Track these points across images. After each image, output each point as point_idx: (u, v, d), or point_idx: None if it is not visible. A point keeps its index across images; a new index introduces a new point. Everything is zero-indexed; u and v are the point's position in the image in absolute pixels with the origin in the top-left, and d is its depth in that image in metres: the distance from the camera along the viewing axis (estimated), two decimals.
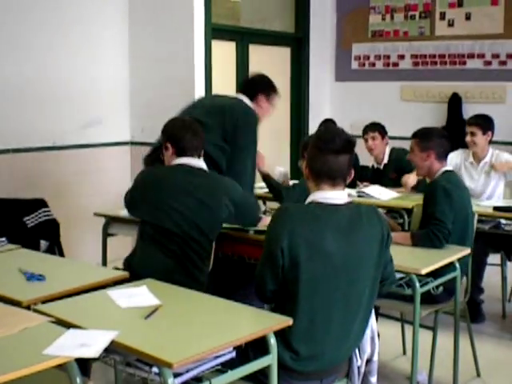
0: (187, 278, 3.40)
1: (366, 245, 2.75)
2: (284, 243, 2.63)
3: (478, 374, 4.20)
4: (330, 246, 2.67)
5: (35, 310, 2.62)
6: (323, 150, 2.73)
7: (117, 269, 3.47)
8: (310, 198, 2.79)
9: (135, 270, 3.39)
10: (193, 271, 3.46)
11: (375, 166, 6.03)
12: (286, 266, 2.66)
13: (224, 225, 3.68)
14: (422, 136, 4.12)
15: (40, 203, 5.01)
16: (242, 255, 3.98)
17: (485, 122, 5.35)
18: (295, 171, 6.35)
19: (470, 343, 4.19)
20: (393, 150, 5.93)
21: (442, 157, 4.08)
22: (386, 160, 5.92)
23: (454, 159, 5.49)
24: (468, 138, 5.36)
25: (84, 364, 2.57)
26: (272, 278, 2.73)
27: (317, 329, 2.70)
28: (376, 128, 5.93)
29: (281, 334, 2.62)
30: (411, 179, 5.30)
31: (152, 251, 3.50)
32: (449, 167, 4.12)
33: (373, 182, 5.75)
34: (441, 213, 3.79)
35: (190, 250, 3.46)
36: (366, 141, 5.91)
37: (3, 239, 3.62)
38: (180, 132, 3.59)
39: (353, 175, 2.84)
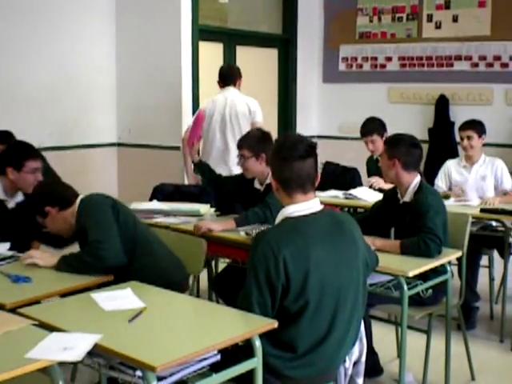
0: None
1: (352, 246, 2.77)
2: (281, 273, 2.57)
3: (473, 378, 4.19)
4: (320, 255, 2.65)
5: (19, 313, 2.59)
6: (288, 158, 2.72)
7: None
8: (284, 214, 2.76)
9: None
10: None
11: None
12: (285, 290, 2.60)
13: None
14: (390, 143, 4.00)
15: None
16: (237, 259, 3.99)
17: (479, 126, 5.37)
18: None
19: (465, 347, 4.18)
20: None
21: (411, 167, 3.92)
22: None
23: (450, 165, 5.50)
24: (465, 142, 5.33)
25: None
26: (261, 309, 2.62)
27: (320, 337, 2.68)
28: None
29: (278, 341, 2.62)
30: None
31: None
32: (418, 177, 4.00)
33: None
34: (432, 222, 3.68)
35: None
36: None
37: (13, 252, 3.53)
38: None
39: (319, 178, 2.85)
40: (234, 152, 5.20)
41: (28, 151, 4.08)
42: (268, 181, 4.18)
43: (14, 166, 3.96)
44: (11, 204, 4.04)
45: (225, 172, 5.26)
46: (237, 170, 4.95)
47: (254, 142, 4.29)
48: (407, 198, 3.94)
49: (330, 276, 2.66)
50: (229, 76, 5.80)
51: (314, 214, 2.75)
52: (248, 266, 2.69)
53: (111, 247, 3.29)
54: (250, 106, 5.69)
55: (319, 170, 6.23)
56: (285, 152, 2.75)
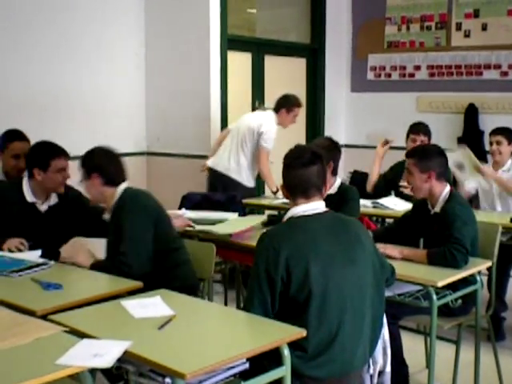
0: None
1: (357, 244, 2.86)
2: (280, 266, 2.68)
3: None
4: (322, 247, 2.76)
5: (50, 320, 2.62)
6: (291, 166, 2.90)
7: None
8: (288, 215, 2.91)
9: None
10: None
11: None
12: (287, 283, 2.69)
13: None
14: (422, 155, 3.93)
15: None
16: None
17: (510, 133, 5.38)
18: None
19: (494, 358, 4.14)
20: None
21: (442, 176, 3.91)
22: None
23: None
24: (494, 147, 5.37)
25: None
26: (261, 307, 2.71)
27: (330, 332, 2.72)
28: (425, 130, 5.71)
29: (293, 342, 2.61)
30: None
31: None
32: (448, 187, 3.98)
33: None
34: (459, 233, 3.66)
35: None
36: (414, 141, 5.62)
37: (45, 260, 3.56)
38: None
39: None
40: (241, 160, 6.00)
41: (53, 150, 4.05)
42: (331, 191, 4.37)
43: (40, 166, 3.93)
44: (43, 207, 4.03)
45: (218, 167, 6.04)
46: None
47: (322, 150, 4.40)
48: (437, 208, 3.91)
49: (333, 269, 2.74)
50: (277, 103, 6.15)
51: (319, 213, 2.87)
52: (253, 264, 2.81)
53: (135, 263, 3.44)
54: (260, 128, 5.97)
55: (347, 179, 6.28)
56: (289, 160, 2.93)
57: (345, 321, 2.74)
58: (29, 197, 3.98)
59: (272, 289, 2.69)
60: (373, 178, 5.66)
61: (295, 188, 2.88)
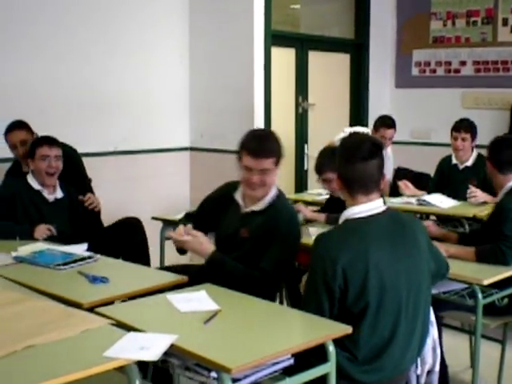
0: None
1: (413, 248, 2.76)
2: (338, 276, 2.59)
3: None
4: (379, 256, 2.64)
5: (96, 313, 2.64)
6: (351, 159, 2.71)
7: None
8: (346, 216, 2.76)
9: None
10: None
11: (457, 164, 5.64)
12: (344, 292, 2.62)
13: None
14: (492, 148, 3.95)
15: None
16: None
17: None
18: None
19: None
20: (480, 157, 5.39)
21: (505, 169, 3.90)
22: (470, 163, 5.56)
23: None
24: None
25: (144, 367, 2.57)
26: (317, 313, 2.65)
27: (382, 340, 2.67)
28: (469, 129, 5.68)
29: (344, 345, 2.61)
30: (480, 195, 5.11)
31: None
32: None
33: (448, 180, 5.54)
34: (509, 230, 3.60)
35: None
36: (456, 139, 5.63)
37: (91, 253, 3.58)
38: None
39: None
40: None
41: (39, 140, 4.30)
42: None
43: (30, 156, 4.22)
44: (50, 197, 4.24)
45: None
46: None
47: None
48: (498, 198, 3.92)
49: (390, 276, 2.65)
50: None
51: (376, 215, 2.73)
52: (308, 269, 2.74)
53: (275, 283, 3.40)
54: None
55: (390, 177, 6.22)
56: (348, 152, 2.75)
57: (398, 331, 2.68)
58: (34, 185, 4.21)
59: (330, 296, 2.63)
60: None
61: (354, 184, 2.71)
